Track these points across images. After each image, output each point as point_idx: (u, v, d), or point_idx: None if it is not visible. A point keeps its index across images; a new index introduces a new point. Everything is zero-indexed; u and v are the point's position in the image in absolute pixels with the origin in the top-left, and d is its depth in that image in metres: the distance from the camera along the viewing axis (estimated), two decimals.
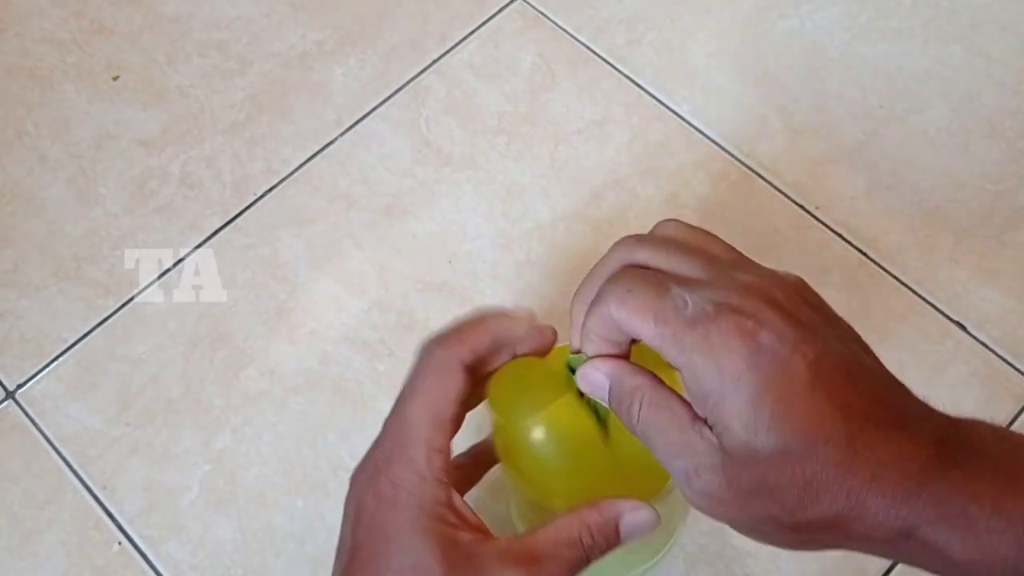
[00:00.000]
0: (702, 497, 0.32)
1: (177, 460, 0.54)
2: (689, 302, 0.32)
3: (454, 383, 0.35)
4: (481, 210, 0.60)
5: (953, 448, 0.30)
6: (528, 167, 0.62)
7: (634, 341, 0.34)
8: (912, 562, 0.31)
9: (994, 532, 0.28)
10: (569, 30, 0.66)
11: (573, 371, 0.36)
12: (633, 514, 0.35)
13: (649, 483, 0.39)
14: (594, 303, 0.34)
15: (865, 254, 0.58)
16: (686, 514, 0.49)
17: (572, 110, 0.63)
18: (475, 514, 0.35)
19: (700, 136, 0.62)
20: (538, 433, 0.37)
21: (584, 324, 0.35)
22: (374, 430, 0.54)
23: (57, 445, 0.54)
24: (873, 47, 0.65)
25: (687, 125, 0.63)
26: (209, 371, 0.56)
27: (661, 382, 0.34)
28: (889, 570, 0.50)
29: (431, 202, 0.61)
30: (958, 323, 0.56)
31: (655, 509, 0.35)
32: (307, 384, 0.56)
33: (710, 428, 0.31)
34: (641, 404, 0.33)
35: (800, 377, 0.30)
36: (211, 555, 0.51)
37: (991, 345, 0.55)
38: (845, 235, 0.59)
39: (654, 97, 0.64)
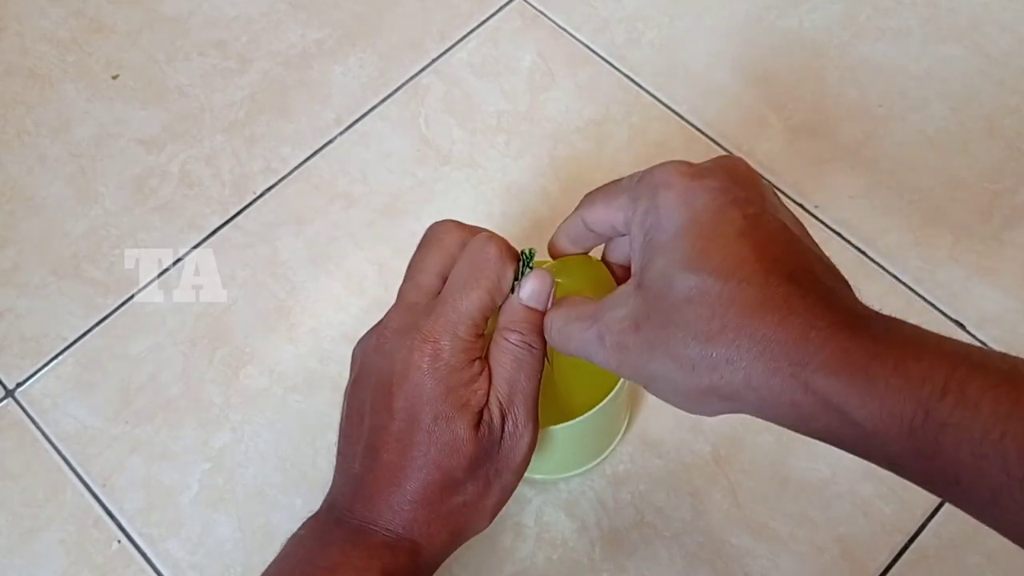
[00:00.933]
0: (614, 350, 0.33)
1: (176, 458, 0.54)
2: (642, 171, 0.35)
3: (507, 279, 0.39)
4: (480, 209, 0.60)
5: (871, 322, 0.30)
6: (527, 166, 0.62)
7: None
8: (812, 424, 0.30)
9: (893, 389, 0.28)
10: (568, 29, 0.66)
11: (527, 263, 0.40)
12: (526, 285, 0.39)
13: (585, 398, 0.44)
14: (573, 213, 0.40)
15: (864, 253, 0.58)
16: (625, 422, 0.53)
17: (571, 109, 0.63)
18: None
19: (699, 135, 0.62)
20: None
21: (557, 231, 0.40)
22: None
23: (56, 443, 0.54)
24: (872, 46, 0.65)
25: (686, 124, 0.63)
26: (208, 370, 0.56)
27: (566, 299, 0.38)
28: (888, 568, 0.50)
29: (430, 201, 0.61)
30: (957, 322, 0.56)
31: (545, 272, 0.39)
32: (306, 383, 0.56)
33: (636, 280, 0.33)
34: (553, 318, 0.37)
35: (732, 223, 0.31)
36: (210, 553, 0.51)
37: (990, 344, 0.55)
38: (844, 234, 0.59)
39: (653, 96, 0.64)
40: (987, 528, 0.53)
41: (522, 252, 0.40)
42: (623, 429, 0.53)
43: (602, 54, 0.66)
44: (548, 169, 0.62)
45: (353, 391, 0.41)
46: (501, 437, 0.38)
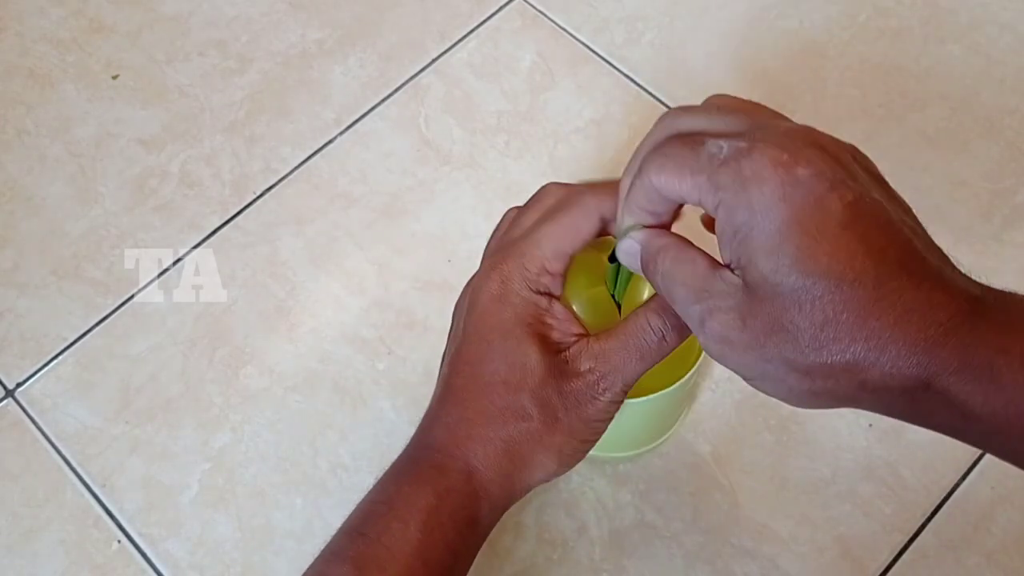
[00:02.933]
0: (715, 340, 0.32)
1: (176, 458, 0.54)
2: (725, 147, 0.31)
3: (588, 228, 0.38)
4: (480, 209, 0.60)
5: (987, 306, 0.29)
6: (527, 166, 0.62)
7: (678, 212, 0.36)
8: (928, 419, 0.29)
9: (1020, 386, 0.27)
10: (568, 29, 0.66)
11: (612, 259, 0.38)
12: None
13: (663, 376, 0.44)
14: (636, 176, 0.34)
15: None
16: (688, 409, 0.53)
17: (571, 109, 0.63)
18: (578, 319, 0.39)
19: None
20: (577, 310, 0.43)
21: (627, 198, 0.35)
22: (373, 428, 0.55)
23: (57, 443, 0.54)
24: (872, 46, 0.65)
25: None
26: (208, 370, 0.56)
27: (687, 241, 0.35)
28: (888, 568, 0.50)
29: (430, 201, 0.61)
30: None
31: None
32: (306, 382, 0.56)
33: (733, 271, 0.31)
34: (665, 259, 0.34)
35: (834, 215, 0.29)
36: (210, 553, 0.51)
37: None
38: None
39: (653, 96, 0.64)
40: (986, 528, 0.53)
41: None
42: (680, 419, 0.53)
43: (602, 54, 0.66)
44: (548, 169, 0.62)
45: (448, 339, 0.41)
46: (582, 383, 0.37)
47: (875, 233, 0.29)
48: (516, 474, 0.38)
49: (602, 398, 0.37)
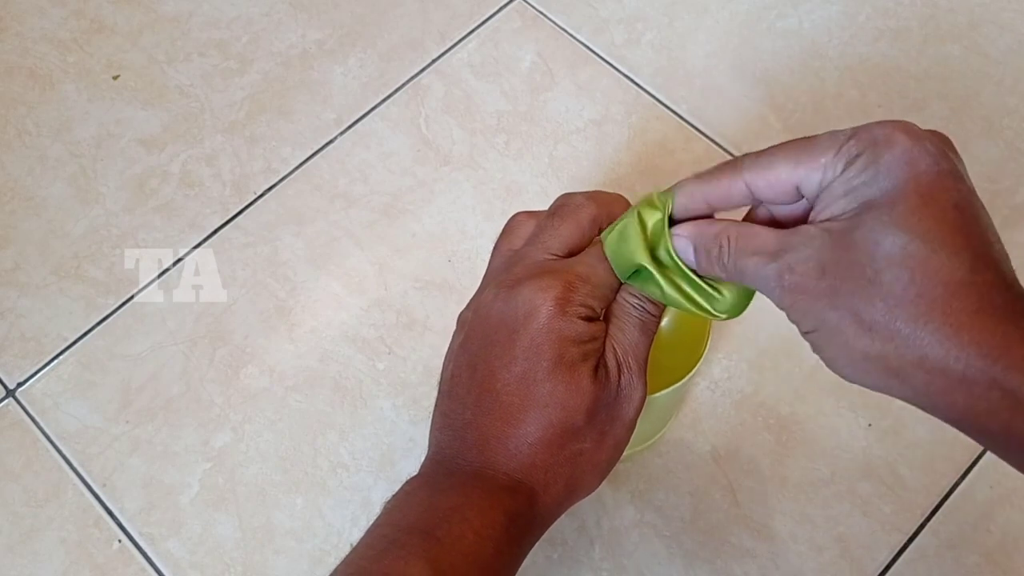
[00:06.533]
0: (789, 291, 0.32)
1: (177, 458, 0.54)
2: (845, 129, 0.32)
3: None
4: (480, 209, 0.60)
5: None
6: (527, 166, 0.62)
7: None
8: (989, 428, 0.29)
9: None
10: (568, 29, 0.67)
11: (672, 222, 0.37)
12: None
13: (672, 370, 0.44)
14: (729, 174, 0.35)
15: None
16: (678, 411, 0.54)
17: (571, 109, 0.64)
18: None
19: (699, 135, 0.62)
20: None
21: (690, 192, 0.36)
22: (373, 428, 0.55)
23: (57, 443, 0.54)
24: (872, 46, 0.65)
25: (686, 124, 0.63)
26: (209, 369, 0.56)
27: (736, 220, 0.35)
28: (887, 567, 0.50)
29: (430, 201, 0.61)
30: None
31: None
32: (307, 382, 0.56)
33: (815, 224, 0.32)
34: (729, 239, 0.34)
35: (948, 193, 0.30)
36: (211, 552, 0.52)
37: None
38: None
39: (653, 96, 0.64)
40: (986, 528, 0.53)
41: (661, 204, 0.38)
42: (672, 418, 0.53)
43: (602, 54, 0.66)
44: (548, 169, 0.62)
45: (462, 348, 0.39)
46: (618, 388, 0.38)
47: (980, 227, 0.30)
48: (568, 500, 0.39)
49: (636, 391, 0.38)
